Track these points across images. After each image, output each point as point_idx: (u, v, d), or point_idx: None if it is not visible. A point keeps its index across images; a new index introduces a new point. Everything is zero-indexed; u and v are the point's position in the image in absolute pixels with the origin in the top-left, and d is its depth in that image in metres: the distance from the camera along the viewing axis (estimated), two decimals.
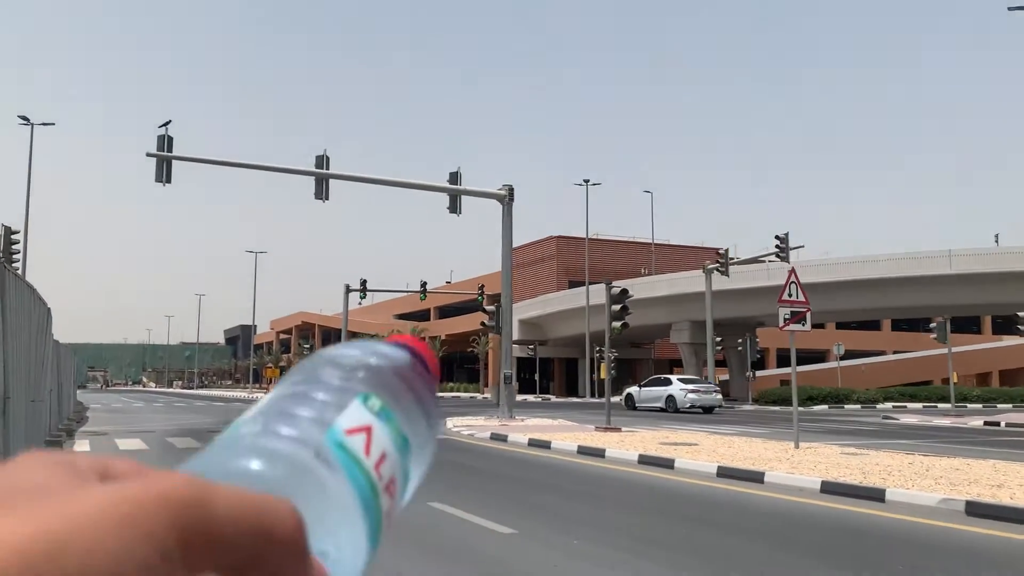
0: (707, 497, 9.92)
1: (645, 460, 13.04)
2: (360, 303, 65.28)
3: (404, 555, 6.31)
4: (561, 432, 18.63)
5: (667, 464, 12.51)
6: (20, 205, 36.27)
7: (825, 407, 38.66)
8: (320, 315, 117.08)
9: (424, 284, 50.76)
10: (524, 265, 78.11)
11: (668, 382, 36.28)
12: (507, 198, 23.42)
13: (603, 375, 20.42)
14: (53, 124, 52.51)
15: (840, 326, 75.88)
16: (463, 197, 23.66)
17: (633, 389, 38.76)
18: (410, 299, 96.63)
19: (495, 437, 17.83)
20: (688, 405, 33.61)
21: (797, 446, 14.58)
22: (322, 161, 22.49)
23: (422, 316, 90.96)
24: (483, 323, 23.52)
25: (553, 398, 56.94)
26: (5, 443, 6.08)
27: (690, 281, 56.67)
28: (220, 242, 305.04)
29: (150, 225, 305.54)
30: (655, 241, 73.62)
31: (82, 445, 17.09)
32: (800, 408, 39.08)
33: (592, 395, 56.92)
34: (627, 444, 15.30)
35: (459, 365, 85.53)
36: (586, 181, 56.96)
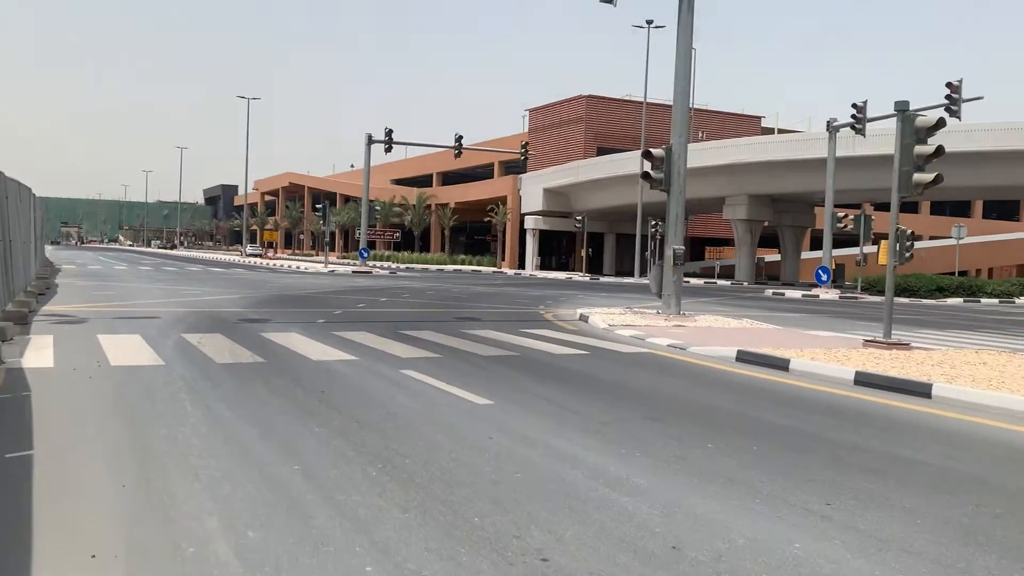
0: None
1: None
2: (377, 158, 55.81)
3: None
4: (825, 350, 11.49)
5: None
6: None
7: (959, 300, 31.87)
8: (310, 176, 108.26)
9: (460, 138, 42.47)
10: (547, 128, 69.41)
11: None
12: None
13: (882, 260, 13.01)
14: None
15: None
16: None
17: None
18: (409, 163, 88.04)
19: (751, 360, 10.53)
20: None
21: None
22: None
23: (423, 182, 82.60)
24: (647, 174, 15.88)
25: (602, 278, 49.86)
26: None
27: (756, 148, 48.80)
28: (208, 87, 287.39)
29: (124, 64, 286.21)
30: (695, 106, 65.10)
31: (42, 349, 9.62)
32: (931, 301, 33.03)
33: (642, 275, 49.89)
34: None
35: (470, 237, 77.88)
36: (648, 22, 47.77)
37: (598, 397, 7.78)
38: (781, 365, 9.94)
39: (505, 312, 17.94)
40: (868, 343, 12.33)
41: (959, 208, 72.43)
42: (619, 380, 8.98)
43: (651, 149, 16.22)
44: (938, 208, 77.29)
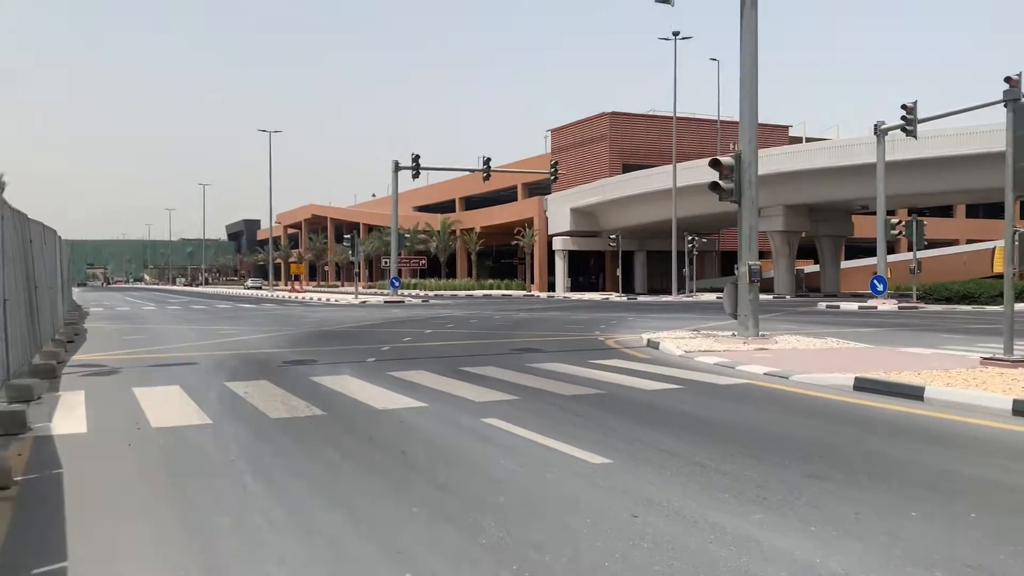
0: None
1: None
2: (400, 185, 54.75)
3: None
4: (943, 371, 10.16)
5: None
6: None
7: None
8: (332, 207, 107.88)
9: (488, 161, 41.51)
10: (570, 147, 68.41)
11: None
12: None
13: (998, 267, 11.68)
14: None
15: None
16: None
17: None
18: (431, 190, 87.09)
19: (873, 389, 9.19)
20: None
21: None
22: None
23: (445, 208, 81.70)
24: (716, 183, 14.66)
25: (639, 298, 48.52)
26: None
27: (790, 158, 47.35)
28: (228, 123, 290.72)
29: (145, 106, 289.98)
30: (721, 118, 63.69)
31: (73, 409, 8.53)
32: (995, 308, 30.57)
33: (680, 292, 48.55)
34: None
35: (496, 261, 76.79)
36: (675, 34, 46.72)
37: (729, 447, 6.53)
38: (914, 394, 8.63)
39: (562, 340, 16.73)
40: (987, 361, 10.98)
41: (993, 211, 70.42)
42: (738, 421, 7.72)
43: (719, 157, 15.00)
44: (972, 211, 75.34)
